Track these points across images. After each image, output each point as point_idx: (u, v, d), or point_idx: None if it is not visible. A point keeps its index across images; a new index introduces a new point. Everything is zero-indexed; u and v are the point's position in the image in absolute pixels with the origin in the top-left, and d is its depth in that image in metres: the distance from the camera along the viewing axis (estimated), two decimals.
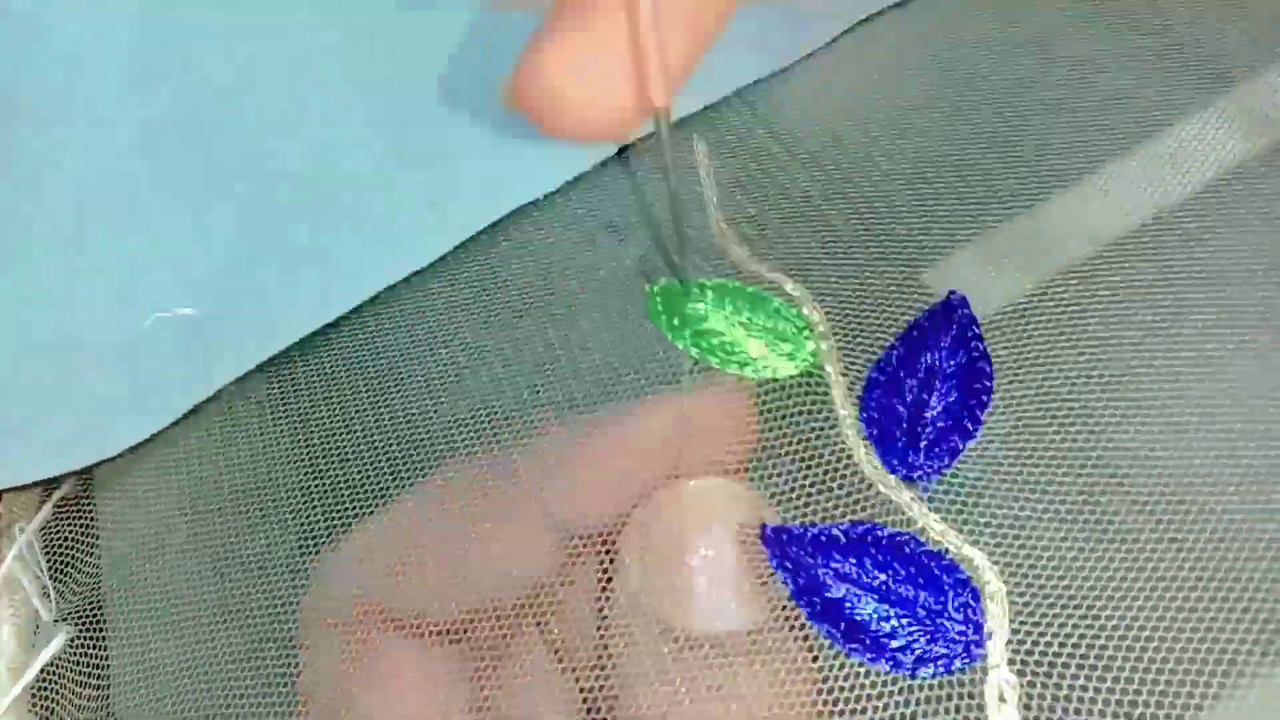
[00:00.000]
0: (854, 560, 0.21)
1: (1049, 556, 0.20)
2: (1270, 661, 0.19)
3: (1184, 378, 0.22)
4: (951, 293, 0.24)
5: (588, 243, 0.28)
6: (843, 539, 0.21)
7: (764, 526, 0.21)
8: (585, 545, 0.21)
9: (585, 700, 0.19)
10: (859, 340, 0.24)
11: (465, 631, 0.21)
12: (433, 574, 0.21)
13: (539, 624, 0.20)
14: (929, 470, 0.22)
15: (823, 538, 0.21)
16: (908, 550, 0.21)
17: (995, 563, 0.20)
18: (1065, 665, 0.19)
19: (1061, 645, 0.19)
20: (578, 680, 0.20)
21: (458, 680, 0.20)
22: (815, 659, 0.19)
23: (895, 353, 0.24)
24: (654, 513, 0.21)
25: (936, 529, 0.21)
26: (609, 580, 0.21)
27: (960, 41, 0.30)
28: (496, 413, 0.25)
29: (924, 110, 0.29)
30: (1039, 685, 0.19)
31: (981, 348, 0.23)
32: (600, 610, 0.20)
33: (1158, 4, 0.30)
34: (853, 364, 0.24)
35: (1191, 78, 0.28)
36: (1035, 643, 0.19)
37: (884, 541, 0.21)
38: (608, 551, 0.21)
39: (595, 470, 0.22)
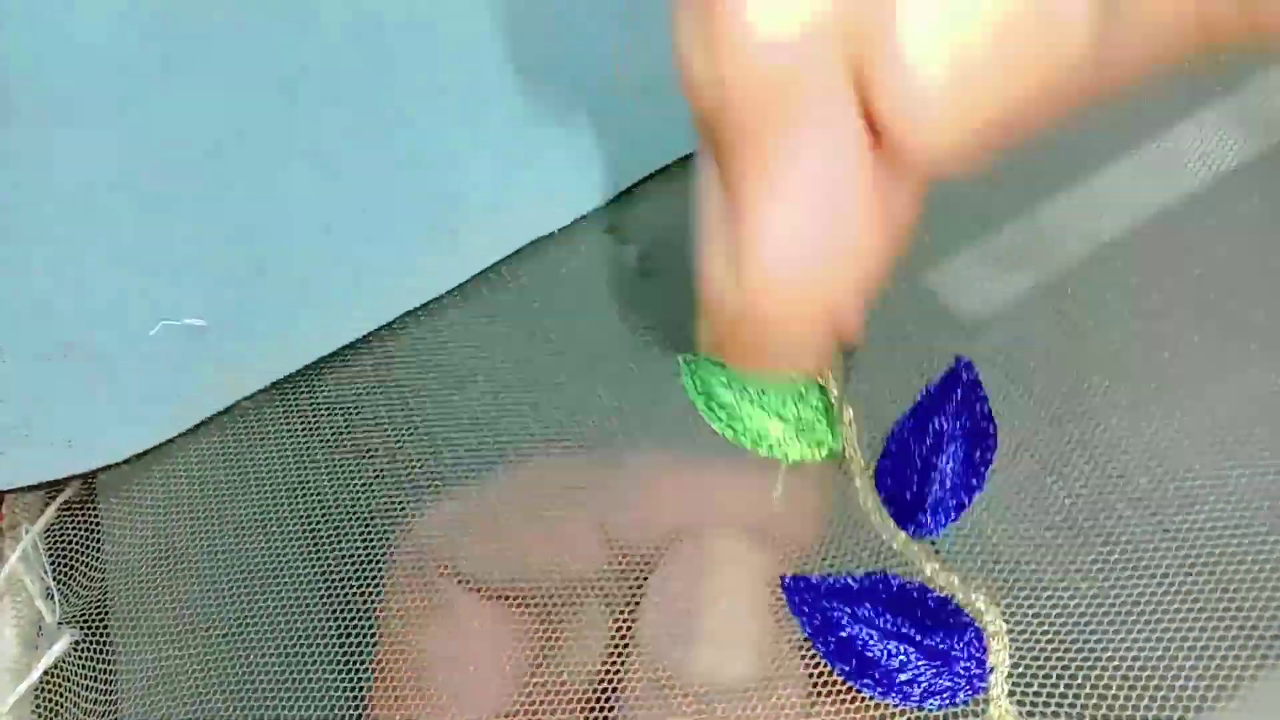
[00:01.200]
0: (867, 605, 0.23)
1: (1048, 593, 0.22)
2: (1270, 666, 0.20)
3: (1187, 381, 0.23)
4: (958, 358, 0.27)
5: (590, 246, 0.29)
6: (856, 587, 0.23)
7: (783, 576, 0.23)
8: (629, 562, 0.24)
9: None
10: (873, 400, 0.26)
11: (527, 600, 0.23)
12: (501, 551, 0.24)
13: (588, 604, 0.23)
14: (936, 526, 0.24)
15: (837, 586, 0.23)
16: (915, 595, 0.23)
17: (997, 602, 0.22)
18: (1063, 695, 0.21)
19: (1059, 676, 0.21)
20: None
21: (517, 637, 0.23)
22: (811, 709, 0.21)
23: (906, 424, 0.26)
24: (675, 562, 0.23)
25: (943, 579, 0.23)
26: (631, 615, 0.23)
27: None
28: (509, 428, 0.26)
29: None
30: (1038, 714, 0.20)
31: (985, 410, 0.26)
32: (619, 637, 0.23)
33: None
34: (870, 439, 0.26)
35: (1192, 79, 0.28)
36: (1034, 675, 0.21)
37: (895, 589, 0.23)
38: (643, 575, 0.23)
39: (655, 503, 0.24)
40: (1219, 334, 0.24)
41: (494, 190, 0.28)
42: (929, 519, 0.24)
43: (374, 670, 0.23)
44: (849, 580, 0.23)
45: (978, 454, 0.25)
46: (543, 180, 0.29)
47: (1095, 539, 0.22)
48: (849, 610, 0.23)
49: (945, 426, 0.26)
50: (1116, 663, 0.21)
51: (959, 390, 0.26)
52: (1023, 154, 0.27)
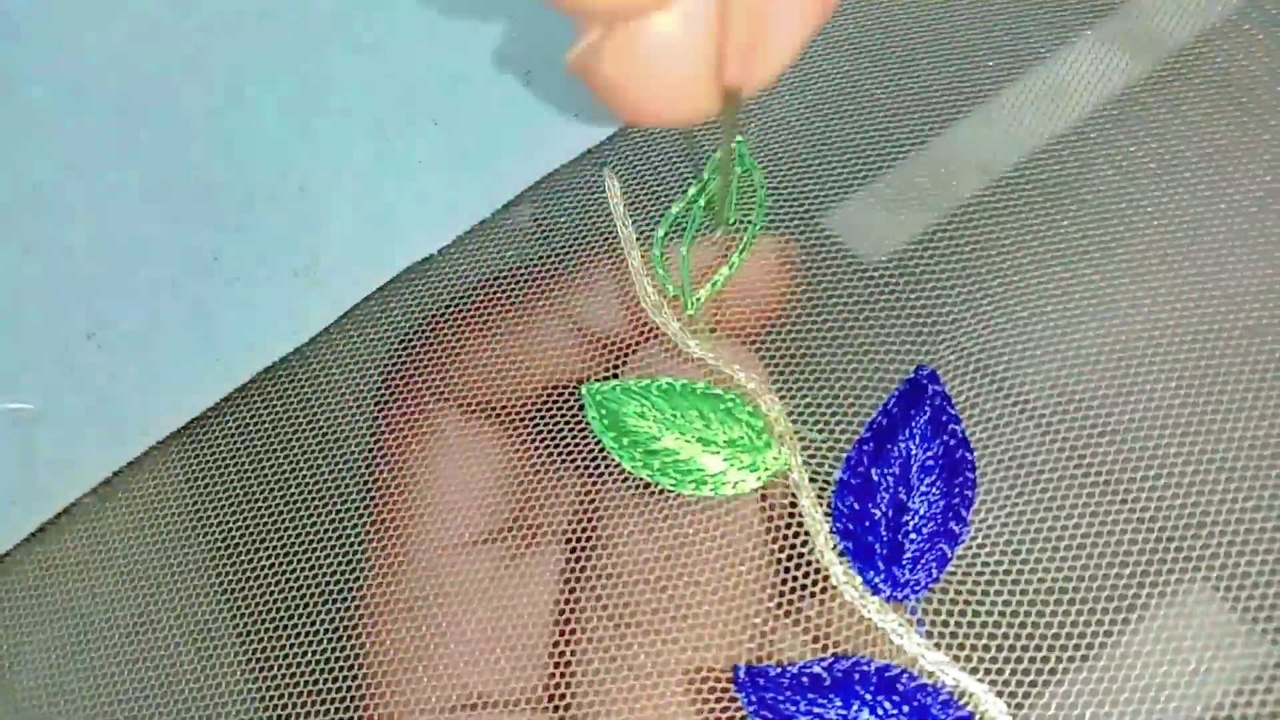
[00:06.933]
0: (840, 703, 0.18)
1: (1060, 670, 0.18)
2: None
3: (1084, 307, 0.22)
4: (919, 369, 0.22)
5: (512, 239, 0.27)
6: (826, 678, 0.18)
7: (736, 669, 0.19)
8: (602, 348, 0.24)
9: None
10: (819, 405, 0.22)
11: (507, 415, 0.24)
12: (484, 364, 0.24)
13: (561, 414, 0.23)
14: (916, 586, 0.19)
15: (803, 679, 0.18)
16: (900, 687, 0.18)
17: (999, 692, 0.18)
18: None
19: None
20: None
21: (507, 450, 0.23)
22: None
23: (864, 448, 0.21)
24: None
25: (930, 659, 0.18)
26: None
27: None
28: None
29: (816, 58, 0.28)
30: None
31: (959, 432, 0.21)
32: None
33: None
34: (820, 465, 0.21)
35: (1074, 2, 0.28)
36: None
37: (873, 679, 0.18)
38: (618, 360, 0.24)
39: (618, 289, 0.25)
40: (1114, 256, 0.23)
41: (356, 218, 0.26)
42: (906, 576, 0.20)
43: (373, 505, 0.23)
44: (817, 669, 0.19)
45: (955, 491, 0.20)
46: (412, 202, 0.27)
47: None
48: (818, 712, 0.18)
49: (913, 454, 0.21)
50: None
51: (925, 408, 0.22)
52: (912, 91, 0.26)
